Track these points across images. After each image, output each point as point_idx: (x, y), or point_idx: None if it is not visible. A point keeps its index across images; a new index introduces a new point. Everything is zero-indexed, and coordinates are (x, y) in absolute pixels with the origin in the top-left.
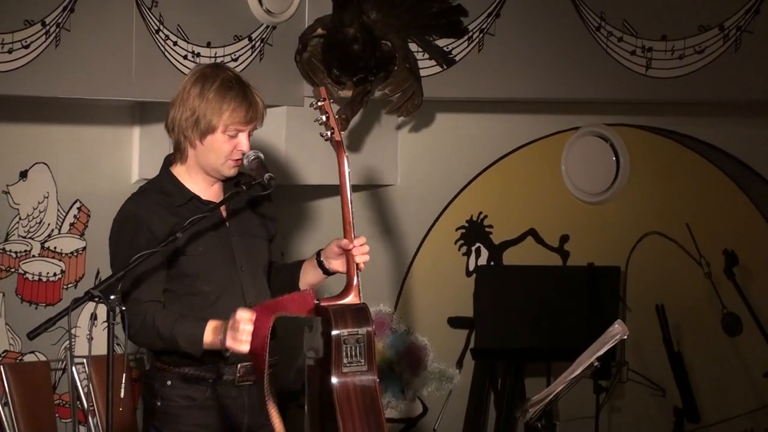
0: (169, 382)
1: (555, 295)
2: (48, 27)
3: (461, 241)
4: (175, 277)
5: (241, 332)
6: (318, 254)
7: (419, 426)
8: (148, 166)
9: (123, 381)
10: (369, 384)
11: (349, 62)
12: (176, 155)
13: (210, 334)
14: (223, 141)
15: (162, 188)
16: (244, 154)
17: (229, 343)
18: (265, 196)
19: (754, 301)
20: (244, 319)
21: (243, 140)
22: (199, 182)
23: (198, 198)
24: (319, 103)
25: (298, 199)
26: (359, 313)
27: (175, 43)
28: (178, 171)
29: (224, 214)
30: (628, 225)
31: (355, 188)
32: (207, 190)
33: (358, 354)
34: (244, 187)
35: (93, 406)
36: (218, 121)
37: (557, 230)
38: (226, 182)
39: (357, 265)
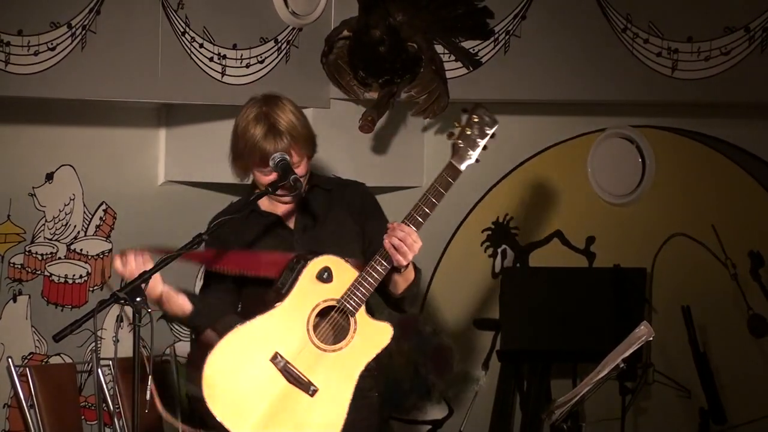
0: None
1: (581, 296)
2: (74, 29)
3: (487, 243)
4: (249, 296)
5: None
6: None
7: (445, 428)
8: (174, 168)
9: (149, 383)
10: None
11: (375, 64)
12: None
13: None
14: (260, 175)
15: (244, 201)
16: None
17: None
18: (346, 187)
19: None
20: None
21: (268, 179)
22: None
23: (257, 211)
24: None
25: None
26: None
27: (201, 45)
28: None
29: (287, 219)
30: (654, 226)
31: (380, 190)
32: (278, 202)
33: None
34: (269, 189)
35: (119, 408)
36: (245, 163)
37: (583, 232)
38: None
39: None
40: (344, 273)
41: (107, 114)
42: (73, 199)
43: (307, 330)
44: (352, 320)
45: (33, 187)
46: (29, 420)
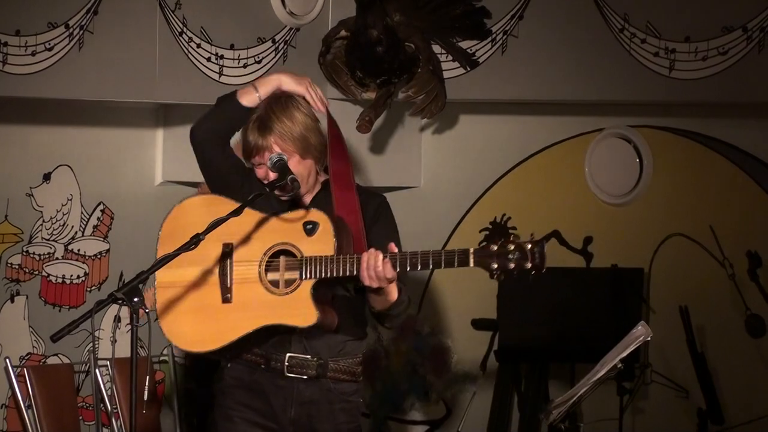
0: (229, 365)
1: (578, 296)
2: (71, 29)
3: (485, 243)
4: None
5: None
6: None
7: (443, 428)
8: (172, 168)
9: (146, 383)
10: None
11: (373, 64)
12: None
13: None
14: (259, 171)
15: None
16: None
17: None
18: (363, 195)
19: None
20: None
21: (259, 173)
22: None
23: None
24: None
25: None
26: None
27: (198, 45)
28: None
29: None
30: (652, 226)
31: (378, 190)
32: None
33: None
34: (267, 189)
35: (116, 408)
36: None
37: (581, 232)
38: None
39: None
40: (324, 242)
41: (105, 114)
42: (71, 200)
43: (264, 253)
44: (298, 282)
45: (30, 188)
46: (27, 420)
